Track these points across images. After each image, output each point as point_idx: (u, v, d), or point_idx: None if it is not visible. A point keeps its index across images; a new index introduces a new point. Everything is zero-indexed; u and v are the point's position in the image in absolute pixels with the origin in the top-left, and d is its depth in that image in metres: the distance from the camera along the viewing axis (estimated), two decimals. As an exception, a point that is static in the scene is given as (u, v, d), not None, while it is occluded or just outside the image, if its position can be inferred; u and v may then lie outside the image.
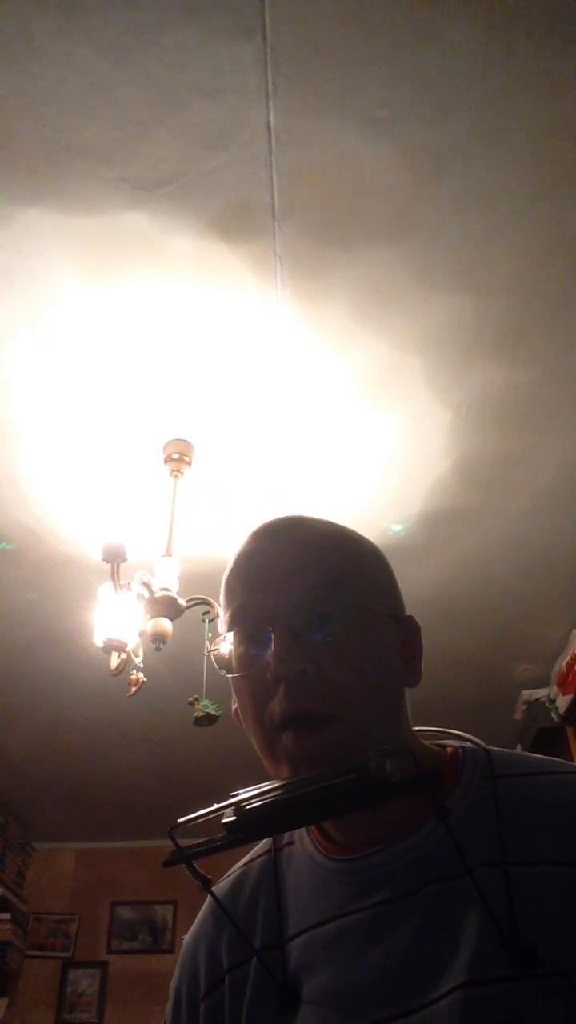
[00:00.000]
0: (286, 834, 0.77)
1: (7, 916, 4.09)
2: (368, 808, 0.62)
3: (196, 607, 2.17)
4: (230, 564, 0.72)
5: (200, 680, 2.19)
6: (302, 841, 0.75)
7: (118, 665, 2.08)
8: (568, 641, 3.08)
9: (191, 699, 2.22)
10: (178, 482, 2.31)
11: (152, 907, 4.44)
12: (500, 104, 1.57)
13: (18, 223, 1.76)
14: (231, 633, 0.70)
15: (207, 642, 2.15)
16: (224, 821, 0.59)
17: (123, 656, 2.07)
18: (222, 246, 1.82)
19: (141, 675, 2.12)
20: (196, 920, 0.79)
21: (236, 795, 0.60)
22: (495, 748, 0.72)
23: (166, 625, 2.03)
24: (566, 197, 1.73)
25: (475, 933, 0.59)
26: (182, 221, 1.77)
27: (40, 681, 3.27)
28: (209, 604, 2.18)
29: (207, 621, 2.20)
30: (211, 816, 0.60)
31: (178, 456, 2.29)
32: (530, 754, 0.73)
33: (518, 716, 3.48)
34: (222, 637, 0.72)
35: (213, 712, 2.20)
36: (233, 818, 0.59)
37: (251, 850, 0.79)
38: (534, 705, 3.36)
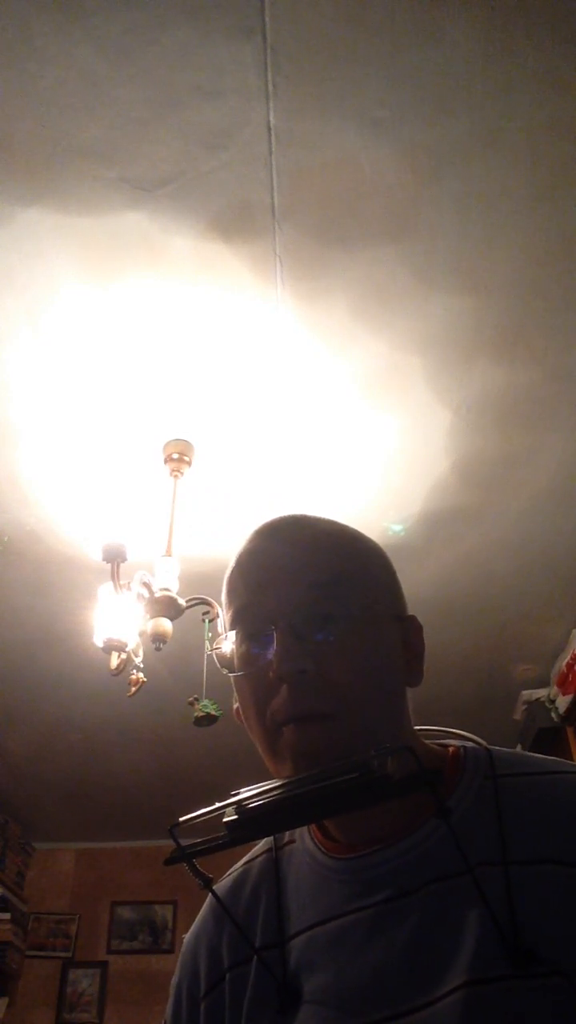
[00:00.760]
0: (287, 832, 0.77)
1: (7, 916, 4.09)
2: (369, 807, 0.62)
3: (196, 607, 2.17)
4: (232, 563, 0.72)
5: (200, 680, 2.19)
6: (303, 839, 0.75)
7: (118, 665, 2.08)
8: (568, 641, 3.08)
9: (191, 699, 2.22)
10: (178, 482, 2.31)
11: (152, 907, 4.44)
12: (500, 104, 1.57)
13: (18, 223, 1.76)
14: (233, 632, 0.70)
15: (207, 642, 2.15)
16: (225, 820, 0.59)
17: (123, 656, 2.07)
18: (222, 246, 1.82)
19: (141, 675, 2.12)
20: (197, 919, 0.79)
21: (237, 794, 0.60)
22: (497, 747, 0.72)
23: (166, 625, 2.03)
24: (566, 197, 1.73)
25: (476, 932, 0.59)
26: (182, 221, 1.77)
27: (40, 681, 3.27)
28: (209, 604, 2.18)
29: (207, 621, 2.20)
30: (212, 815, 0.60)
31: (178, 456, 2.29)
32: (532, 754, 0.73)
33: (518, 716, 3.48)
34: (224, 636, 0.72)
35: (213, 712, 2.20)
36: (234, 817, 0.59)
37: (251, 849, 0.79)
38: (534, 705, 3.36)
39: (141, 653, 2.12)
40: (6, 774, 3.97)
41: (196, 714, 2.20)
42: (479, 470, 2.42)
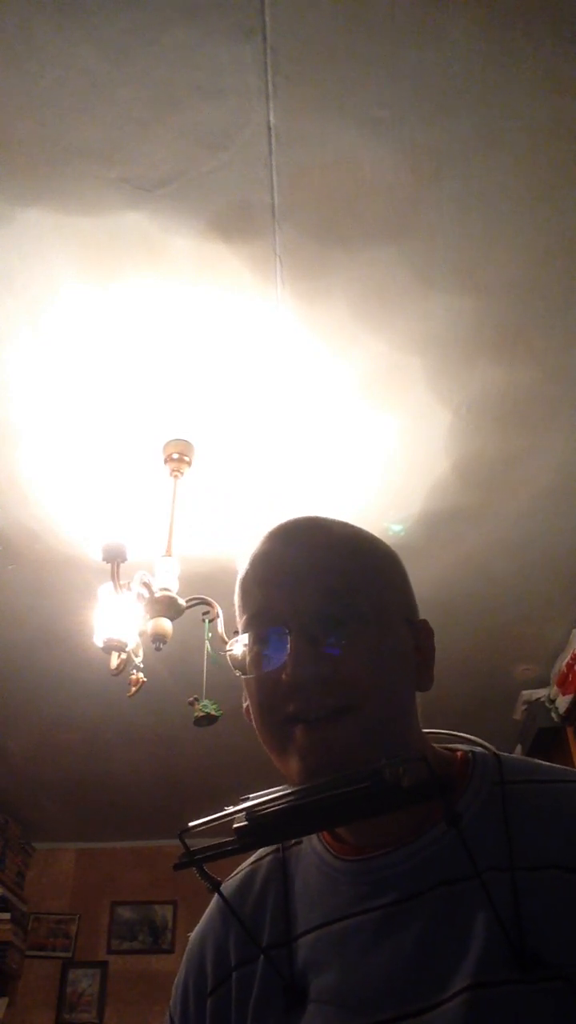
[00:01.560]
0: None
1: (7, 916, 4.09)
2: (381, 815, 0.63)
3: (196, 607, 2.17)
4: (246, 565, 0.73)
5: (200, 680, 2.19)
6: (311, 840, 0.75)
7: (118, 665, 2.08)
8: (568, 641, 3.08)
9: (191, 699, 2.22)
10: (178, 482, 2.31)
11: (152, 907, 4.44)
12: (500, 104, 1.57)
13: (18, 223, 1.76)
14: (247, 635, 0.70)
15: (207, 642, 2.15)
16: (236, 826, 0.59)
17: (123, 656, 2.07)
18: (222, 246, 1.82)
19: (141, 675, 2.12)
20: (203, 917, 0.79)
21: (247, 799, 0.60)
22: (505, 754, 0.72)
23: (166, 625, 2.03)
24: (566, 197, 1.73)
25: (482, 936, 0.59)
26: (182, 221, 1.77)
27: (40, 681, 3.27)
28: (209, 604, 2.18)
29: (207, 621, 2.20)
30: (223, 820, 0.60)
31: (178, 456, 2.29)
32: (541, 762, 0.74)
33: (518, 716, 3.48)
34: (236, 638, 0.73)
35: (213, 712, 2.20)
36: (245, 823, 0.59)
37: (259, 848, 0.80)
38: (534, 705, 3.36)
39: (141, 653, 2.12)
40: (6, 774, 3.97)
41: (196, 714, 2.20)
42: (479, 470, 2.42)
